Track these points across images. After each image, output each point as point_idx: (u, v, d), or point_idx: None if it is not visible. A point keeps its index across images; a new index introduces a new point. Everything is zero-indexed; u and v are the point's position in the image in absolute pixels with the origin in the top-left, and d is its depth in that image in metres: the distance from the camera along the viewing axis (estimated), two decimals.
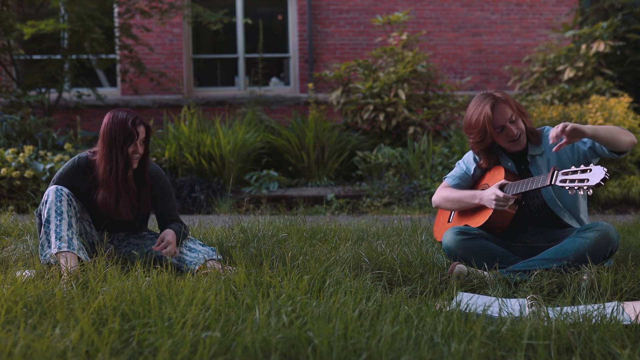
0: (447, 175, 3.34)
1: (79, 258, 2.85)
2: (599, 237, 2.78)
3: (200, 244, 3.21)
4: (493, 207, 2.94)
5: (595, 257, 2.76)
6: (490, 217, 2.99)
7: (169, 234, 3.05)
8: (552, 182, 2.77)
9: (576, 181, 2.67)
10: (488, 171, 3.20)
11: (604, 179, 2.59)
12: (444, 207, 3.27)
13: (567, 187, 2.70)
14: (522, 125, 3.01)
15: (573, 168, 2.72)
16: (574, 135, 2.75)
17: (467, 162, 3.26)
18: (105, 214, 3.11)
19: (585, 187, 2.64)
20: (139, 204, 3.16)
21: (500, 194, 2.90)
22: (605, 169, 2.63)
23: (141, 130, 3.00)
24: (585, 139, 2.96)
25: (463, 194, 3.14)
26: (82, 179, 3.07)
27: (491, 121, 2.95)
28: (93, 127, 8.59)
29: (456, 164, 3.33)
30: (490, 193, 2.95)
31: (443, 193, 3.24)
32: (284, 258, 2.91)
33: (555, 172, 2.78)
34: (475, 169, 3.22)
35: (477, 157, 3.21)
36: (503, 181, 2.98)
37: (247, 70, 9.71)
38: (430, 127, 7.63)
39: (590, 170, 2.66)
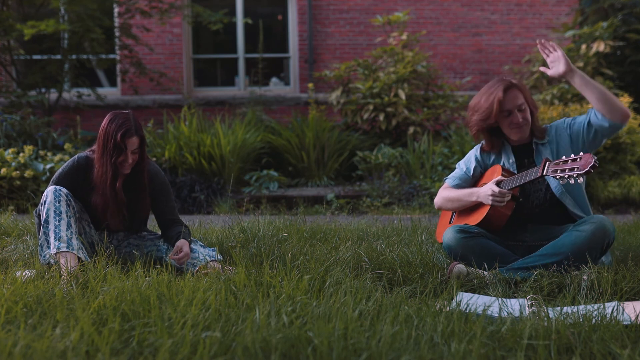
0: (448, 176, 3.36)
1: (78, 258, 2.85)
2: (594, 229, 2.80)
3: (200, 245, 3.21)
4: (490, 202, 2.97)
5: (592, 250, 2.78)
6: (487, 213, 3.02)
7: (186, 245, 3.01)
8: (544, 173, 2.80)
9: (567, 170, 2.71)
10: (487, 170, 3.22)
11: (593, 166, 2.62)
12: (445, 207, 3.29)
13: (558, 177, 2.73)
14: (529, 117, 3.05)
15: (563, 158, 2.77)
16: (561, 64, 2.91)
17: (468, 162, 3.28)
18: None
19: (575, 175, 2.67)
20: (137, 208, 3.16)
21: (496, 189, 2.93)
22: (595, 157, 2.65)
23: (132, 142, 2.96)
24: (579, 118, 3.03)
25: (461, 192, 3.17)
26: (82, 179, 3.07)
27: (500, 102, 2.99)
28: (93, 127, 8.59)
29: (457, 165, 3.35)
30: (486, 189, 2.98)
31: (443, 194, 3.28)
32: (284, 258, 2.91)
33: (547, 162, 2.82)
34: (475, 168, 3.24)
35: (477, 156, 3.23)
36: (499, 177, 3.01)
37: (247, 70, 9.71)
38: (430, 127, 7.63)
39: (580, 158, 2.70)
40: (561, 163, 2.75)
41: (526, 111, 3.04)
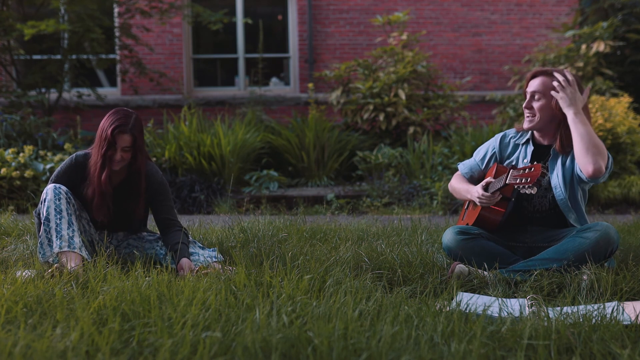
0: (462, 162, 3.41)
1: (80, 256, 2.85)
2: (599, 237, 2.79)
3: (199, 247, 3.20)
4: (479, 203, 3.02)
5: (595, 257, 2.77)
6: (480, 213, 3.07)
7: (187, 265, 2.92)
8: (506, 182, 2.84)
9: (522, 179, 2.75)
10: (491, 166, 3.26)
11: (541, 176, 2.69)
12: (453, 194, 3.39)
13: (516, 185, 2.78)
14: (543, 113, 2.97)
15: (522, 166, 2.81)
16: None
17: (484, 152, 3.29)
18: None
19: (527, 186, 2.72)
20: (131, 208, 3.14)
21: (481, 191, 3.00)
22: (546, 168, 2.67)
23: (122, 138, 2.95)
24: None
25: (462, 187, 3.25)
26: (80, 177, 3.07)
27: (527, 80, 3.06)
28: (93, 127, 8.56)
29: (475, 152, 3.37)
30: (474, 190, 3.06)
31: (453, 182, 3.36)
32: (284, 258, 2.91)
33: (510, 170, 2.87)
34: (489, 159, 3.25)
35: (495, 146, 3.22)
36: (489, 179, 3.05)
37: (247, 70, 9.71)
38: (430, 127, 7.63)
39: (532, 168, 2.74)
40: (520, 171, 2.79)
41: (542, 103, 2.97)
